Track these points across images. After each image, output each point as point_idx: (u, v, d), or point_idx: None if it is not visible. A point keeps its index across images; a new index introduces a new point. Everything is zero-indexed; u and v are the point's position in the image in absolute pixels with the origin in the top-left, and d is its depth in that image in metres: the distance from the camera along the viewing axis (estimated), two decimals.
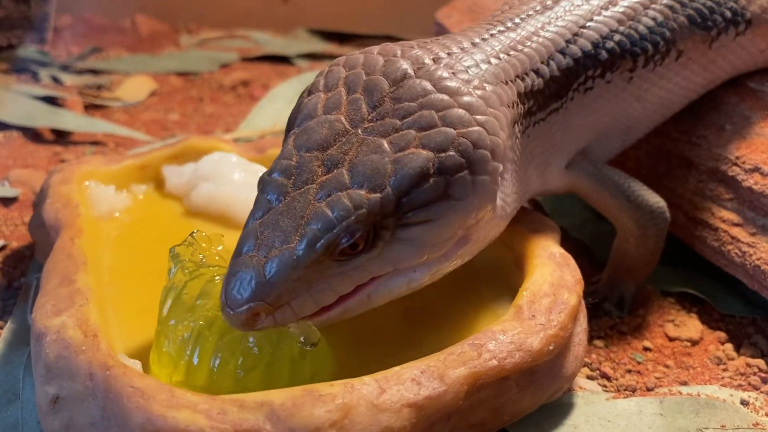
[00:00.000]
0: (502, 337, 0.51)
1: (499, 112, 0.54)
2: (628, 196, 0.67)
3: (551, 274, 0.57)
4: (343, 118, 0.53)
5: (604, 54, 0.64)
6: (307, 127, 0.53)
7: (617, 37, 0.64)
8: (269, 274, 0.49)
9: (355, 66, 0.55)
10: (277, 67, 1.44)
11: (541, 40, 0.61)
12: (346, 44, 1.61)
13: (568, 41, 0.62)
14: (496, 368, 0.49)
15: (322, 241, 0.49)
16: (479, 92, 0.54)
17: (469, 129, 0.52)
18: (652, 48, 0.66)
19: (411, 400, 0.46)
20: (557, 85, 0.62)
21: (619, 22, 0.65)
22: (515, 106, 0.58)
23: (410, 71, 0.54)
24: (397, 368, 0.48)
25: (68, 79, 1.31)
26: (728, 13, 0.69)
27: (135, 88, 1.29)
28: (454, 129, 0.51)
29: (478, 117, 0.52)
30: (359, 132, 0.52)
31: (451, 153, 0.51)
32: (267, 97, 1.18)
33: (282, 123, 1.09)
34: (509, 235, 0.64)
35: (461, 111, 0.52)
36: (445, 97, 0.52)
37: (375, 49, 0.57)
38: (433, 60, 0.55)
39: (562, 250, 0.60)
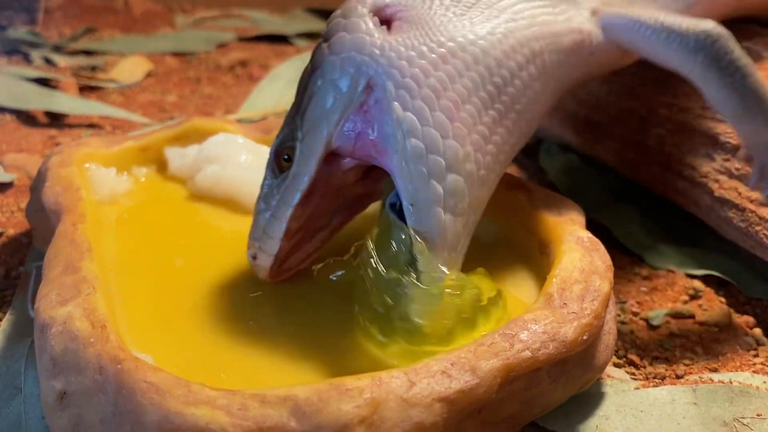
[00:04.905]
0: (535, 327, 0.48)
1: None
2: (669, 27, 0.61)
3: (581, 259, 0.54)
4: None
5: None
6: None
7: None
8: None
9: None
10: (275, 47, 1.41)
11: None
12: None
13: None
14: (529, 359, 0.47)
15: (267, 169, 0.59)
16: None
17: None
18: None
19: (442, 393, 0.44)
20: None
21: None
22: None
23: None
24: (426, 360, 0.45)
25: (61, 60, 1.28)
26: None
27: (130, 69, 1.25)
28: None
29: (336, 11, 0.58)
30: None
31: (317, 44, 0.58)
32: (268, 78, 1.14)
33: (284, 103, 1.05)
34: (531, 219, 0.62)
35: None
36: None
37: None
38: None
39: (590, 234, 0.58)
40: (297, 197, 0.57)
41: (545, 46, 0.60)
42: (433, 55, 0.55)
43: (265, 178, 0.59)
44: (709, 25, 0.60)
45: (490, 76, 0.57)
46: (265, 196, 0.59)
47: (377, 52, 0.55)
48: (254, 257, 0.58)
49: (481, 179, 0.55)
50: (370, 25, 0.56)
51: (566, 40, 0.62)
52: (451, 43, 0.56)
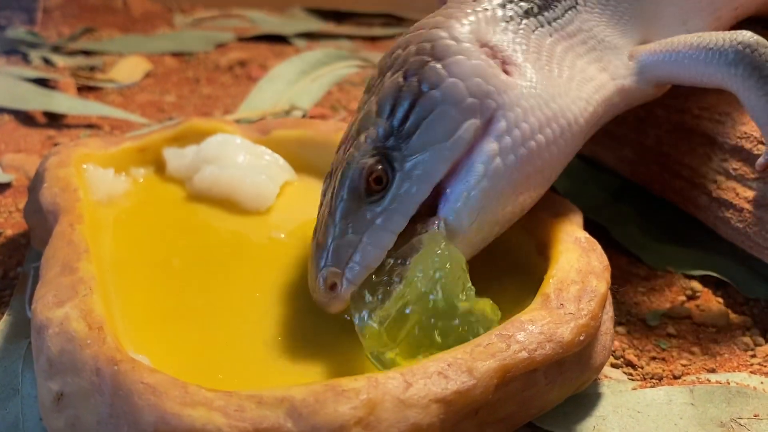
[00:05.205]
0: (531, 328, 0.48)
1: (457, 23, 0.56)
2: (705, 47, 0.60)
3: (578, 260, 0.54)
4: (366, 97, 0.56)
5: None
6: None
7: None
8: (322, 242, 0.53)
9: None
10: (274, 47, 1.41)
11: None
12: (343, 23, 1.57)
13: None
14: (526, 360, 0.47)
15: (344, 189, 0.53)
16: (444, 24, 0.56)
17: (425, 36, 0.55)
18: None
19: (439, 394, 0.44)
20: None
21: None
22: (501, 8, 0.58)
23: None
24: (423, 361, 0.45)
25: (60, 60, 1.27)
26: None
27: (129, 69, 1.25)
28: (415, 45, 0.55)
29: (435, 30, 0.55)
30: (370, 97, 0.56)
31: (412, 58, 0.54)
32: (266, 78, 1.14)
33: (282, 103, 1.05)
34: (529, 220, 0.61)
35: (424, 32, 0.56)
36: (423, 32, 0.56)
37: None
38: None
39: (588, 235, 0.58)
40: (401, 222, 0.52)
41: (606, 109, 0.60)
42: (542, 114, 0.54)
43: (340, 200, 0.53)
44: (746, 35, 0.59)
45: (572, 145, 0.56)
46: (347, 220, 0.53)
47: (502, 86, 0.54)
48: (333, 287, 0.52)
49: (493, 235, 0.56)
50: (483, 54, 0.54)
51: (615, 99, 0.61)
52: (554, 105, 0.55)
